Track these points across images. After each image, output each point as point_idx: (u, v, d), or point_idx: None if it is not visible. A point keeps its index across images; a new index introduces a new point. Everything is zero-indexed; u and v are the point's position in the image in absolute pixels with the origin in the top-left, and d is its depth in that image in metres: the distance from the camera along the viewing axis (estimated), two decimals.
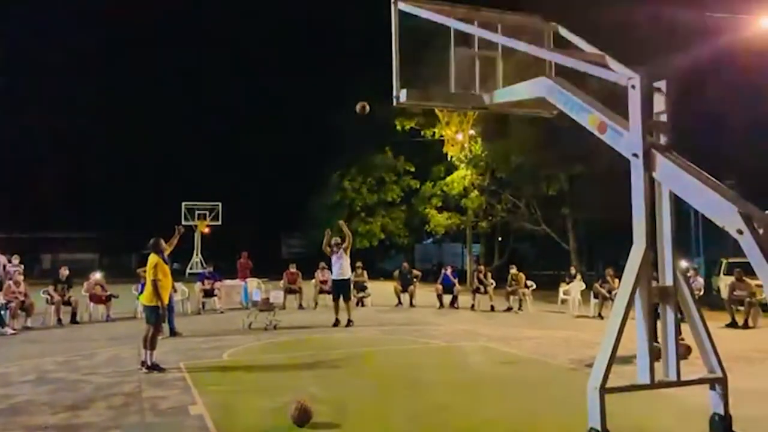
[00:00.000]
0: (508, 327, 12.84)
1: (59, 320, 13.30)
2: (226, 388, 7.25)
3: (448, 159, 26.13)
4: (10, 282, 12.99)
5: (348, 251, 13.04)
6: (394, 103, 6.42)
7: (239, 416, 6.01)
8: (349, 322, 12.59)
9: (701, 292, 14.68)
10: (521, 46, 5.99)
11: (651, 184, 4.69)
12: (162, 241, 8.65)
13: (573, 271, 17.11)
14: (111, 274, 20.15)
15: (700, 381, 4.81)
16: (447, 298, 16.73)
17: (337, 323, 12.70)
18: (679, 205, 4.75)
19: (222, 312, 15.65)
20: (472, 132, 25.69)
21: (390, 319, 14.34)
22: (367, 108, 6.56)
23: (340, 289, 13.02)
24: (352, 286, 13.38)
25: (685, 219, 21.55)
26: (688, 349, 6.56)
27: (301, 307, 16.42)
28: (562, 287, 16.48)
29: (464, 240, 31.47)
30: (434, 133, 27.16)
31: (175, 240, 9.24)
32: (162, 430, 5.65)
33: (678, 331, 4.71)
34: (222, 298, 16.18)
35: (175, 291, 13.08)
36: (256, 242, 35.99)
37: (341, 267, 12.92)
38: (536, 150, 22.74)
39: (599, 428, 4.25)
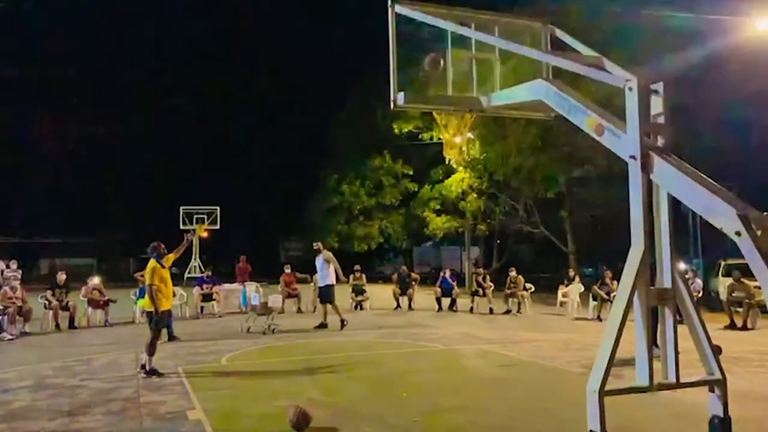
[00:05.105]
0: (507, 330, 12.83)
1: (57, 325, 13.27)
2: (224, 392, 7.23)
3: (446, 162, 26.14)
4: (8, 288, 12.95)
5: (329, 264, 13.17)
6: (392, 107, 6.40)
7: (238, 421, 6.00)
8: (343, 323, 12.68)
9: (700, 294, 14.69)
10: (518, 48, 5.99)
11: (649, 186, 4.69)
12: (162, 246, 8.59)
13: (571, 273, 17.10)
14: (109, 279, 20.13)
15: (699, 383, 4.80)
16: (446, 301, 16.73)
17: (320, 326, 12.86)
18: (677, 207, 4.75)
19: (220, 316, 15.65)
20: (469, 135, 25.71)
21: (388, 323, 14.32)
22: (441, 62, 6.12)
23: (321, 294, 13.27)
24: (333, 292, 13.20)
25: (684, 221, 21.57)
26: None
27: (299, 311, 16.41)
28: (561, 290, 16.48)
29: (463, 243, 31.47)
30: (432, 136, 27.19)
31: (182, 248, 9.15)
32: None
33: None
34: (220, 303, 16.18)
35: (174, 295, 13.05)
36: (254, 246, 36.05)
37: (323, 274, 13.16)
38: (534, 152, 22.78)
39: (599, 431, 4.24)
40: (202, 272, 22.95)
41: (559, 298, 16.39)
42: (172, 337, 11.31)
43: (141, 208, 40.09)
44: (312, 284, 16.95)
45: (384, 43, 6.40)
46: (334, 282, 13.23)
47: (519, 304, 16.11)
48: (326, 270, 13.12)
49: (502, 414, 6.25)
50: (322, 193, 34.92)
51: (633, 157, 4.64)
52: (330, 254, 13.45)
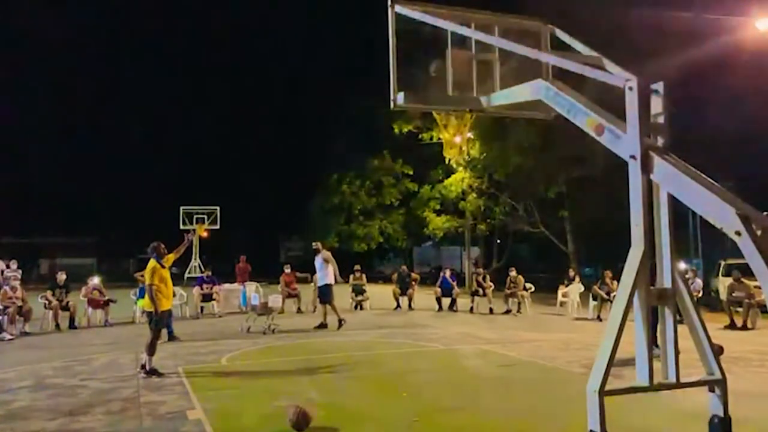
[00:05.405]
0: (507, 330, 12.83)
1: (57, 325, 13.27)
2: (224, 392, 7.23)
3: (446, 162, 26.14)
4: (8, 288, 12.95)
5: (327, 263, 13.23)
6: (392, 107, 6.39)
7: (238, 421, 6.00)
8: (340, 322, 12.70)
9: (700, 294, 14.69)
10: (518, 48, 5.98)
11: (649, 186, 4.68)
12: (162, 246, 8.59)
13: (571, 273, 17.10)
14: (109, 279, 20.12)
15: (699, 383, 4.79)
16: (446, 301, 16.73)
17: (320, 326, 12.89)
18: (677, 207, 4.74)
19: (220, 316, 15.65)
20: (470, 135, 25.70)
21: (388, 323, 14.32)
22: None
23: (320, 294, 13.34)
24: (331, 291, 13.21)
25: (684, 220, 21.59)
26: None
27: (299, 311, 16.41)
28: (561, 290, 16.48)
29: (463, 243, 31.46)
30: (432, 136, 27.19)
31: (182, 248, 9.14)
32: None
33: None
34: (220, 302, 16.18)
35: (174, 295, 13.06)
36: (254, 246, 36.06)
37: (322, 274, 13.22)
38: (534, 152, 22.77)
39: (599, 431, 4.23)
40: (202, 272, 22.94)
41: (559, 298, 16.39)
42: (172, 337, 11.32)
43: (141, 208, 40.12)
44: (312, 284, 16.98)
45: (384, 42, 6.39)
46: (333, 282, 13.25)
47: (519, 304, 16.11)
48: (325, 270, 13.16)
49: (502, 414, 6.25)
50: (322, 193, 34.90)
51: (633, 157, 4.63)
52: (329, 254, 13.48)
